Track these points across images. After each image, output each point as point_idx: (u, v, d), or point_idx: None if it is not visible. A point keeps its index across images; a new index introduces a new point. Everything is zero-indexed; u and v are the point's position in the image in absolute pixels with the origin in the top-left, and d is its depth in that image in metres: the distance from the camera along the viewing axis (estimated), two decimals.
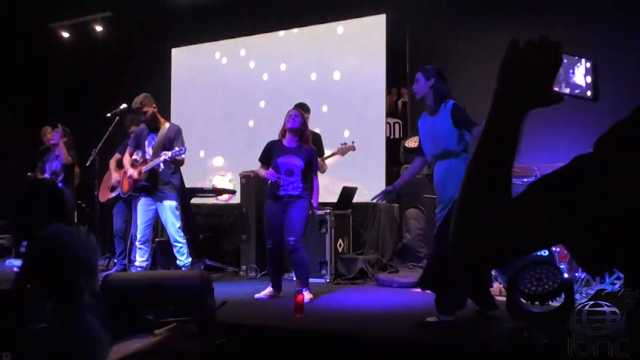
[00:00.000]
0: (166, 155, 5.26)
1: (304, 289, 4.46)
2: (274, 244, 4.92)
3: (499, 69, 0.97)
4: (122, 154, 6.25)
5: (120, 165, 6.32)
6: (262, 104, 7.75)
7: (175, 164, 5.46)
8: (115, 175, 6.35)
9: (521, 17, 6.47)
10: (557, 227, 0.86)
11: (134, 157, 6.18)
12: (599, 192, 0.84)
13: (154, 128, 5.54)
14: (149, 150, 5.51)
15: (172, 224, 5.41)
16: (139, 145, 5.60)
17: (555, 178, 0.90)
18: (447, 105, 3.84)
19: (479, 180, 0.93)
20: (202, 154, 8.16)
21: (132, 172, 5.48)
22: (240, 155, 7.84)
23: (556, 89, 0.97)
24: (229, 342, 3.51)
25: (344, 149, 4.98)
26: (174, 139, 5.45)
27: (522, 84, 0.95)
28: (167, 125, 5.55)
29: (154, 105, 5.52)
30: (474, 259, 0.92)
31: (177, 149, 5.28)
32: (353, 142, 4.98)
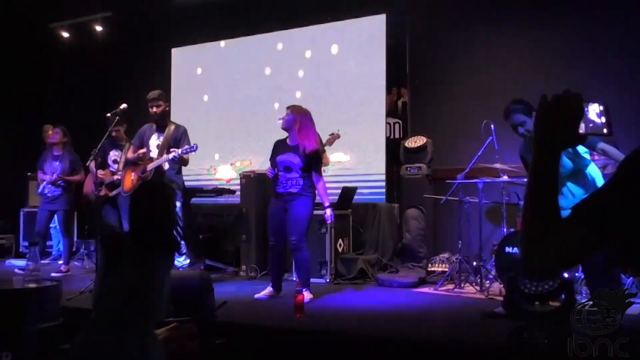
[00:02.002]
0: (176, 152, 5.21)
1: (304, 289, 4.46)
2: (276, 242, 4.94)
3: (535, 120, 1.22)
4: (101, 156, 6.19)
5: (101, 166, 6.25)
6: (262, 103, 7.75)
7: (182, 163, 5.44)
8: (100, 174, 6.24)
9: (521, 18, 6.47)
10: (594, 236, 1.10)
11: (114, 158, 6.16)
12: (627, 203, 1.06)
13: (161, 126, 5.54)
14: (154, 149, 5.48)
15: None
16: (142, 144, 5.55)
17: (591, 197, 1.15)
18: None
19: (534, 207, 1.18)
20: (202, 153, 8.13)
21: (137, 171, 5.45)
22: (240, 155, 7.86)
23: (580, 131, 1.23)
24: (229, 342, 3.51)
25: (331, 139, 5.07)
26: (181, 139, 5.44)
27: (555, 131, 1.20)
28: (172, 126, 5.54)
29: (168, 104, 5.61)
30: (539, 266, 1.16)
31: (187, 146, 5.25)
32: (338, 131, 5.16)
